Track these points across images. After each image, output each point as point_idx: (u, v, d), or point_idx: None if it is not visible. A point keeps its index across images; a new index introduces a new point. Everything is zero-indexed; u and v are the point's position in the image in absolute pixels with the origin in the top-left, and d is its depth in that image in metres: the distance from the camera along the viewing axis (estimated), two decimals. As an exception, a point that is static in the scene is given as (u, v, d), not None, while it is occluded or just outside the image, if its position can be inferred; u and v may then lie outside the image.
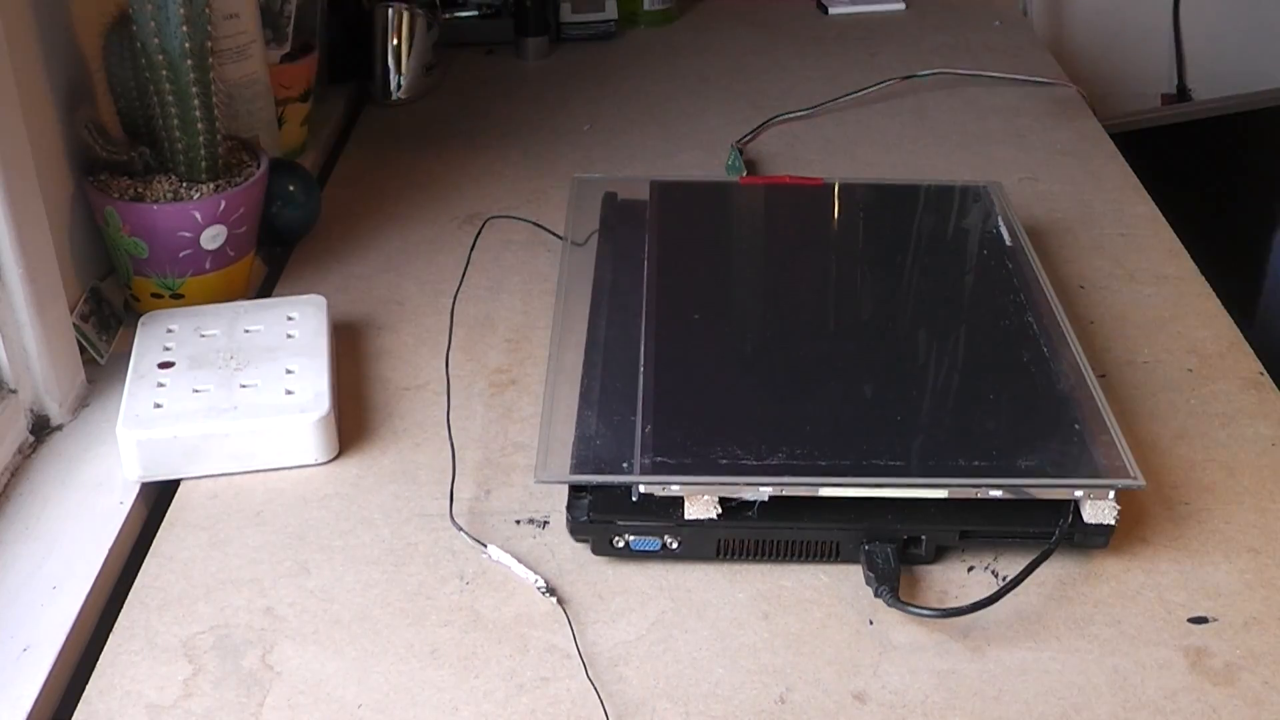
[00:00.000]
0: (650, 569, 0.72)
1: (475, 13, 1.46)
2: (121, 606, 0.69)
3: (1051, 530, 0.70)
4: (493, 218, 1.06)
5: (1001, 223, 0.96)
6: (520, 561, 0.71)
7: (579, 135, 1.24)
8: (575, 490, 0.72)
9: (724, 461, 0.70)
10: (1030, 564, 0.69)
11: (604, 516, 0.70)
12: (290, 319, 0.86)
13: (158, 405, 0.78)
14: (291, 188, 1.00)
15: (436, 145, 1.22)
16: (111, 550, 0.73)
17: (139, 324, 0.86)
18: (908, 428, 0.75)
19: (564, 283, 0.89)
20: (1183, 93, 1.71)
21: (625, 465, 0.71)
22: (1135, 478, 0.70)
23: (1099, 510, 0.70)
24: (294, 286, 0.98)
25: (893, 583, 0.68)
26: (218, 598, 0.70)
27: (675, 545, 0.71)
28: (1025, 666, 0.66)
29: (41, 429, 0.82)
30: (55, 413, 0.83)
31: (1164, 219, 1.07)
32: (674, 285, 0.88)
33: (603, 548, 0.71)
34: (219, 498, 0.77)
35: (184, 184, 0.90)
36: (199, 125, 0.88)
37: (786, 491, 0.70)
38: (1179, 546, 0.73)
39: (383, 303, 0.96)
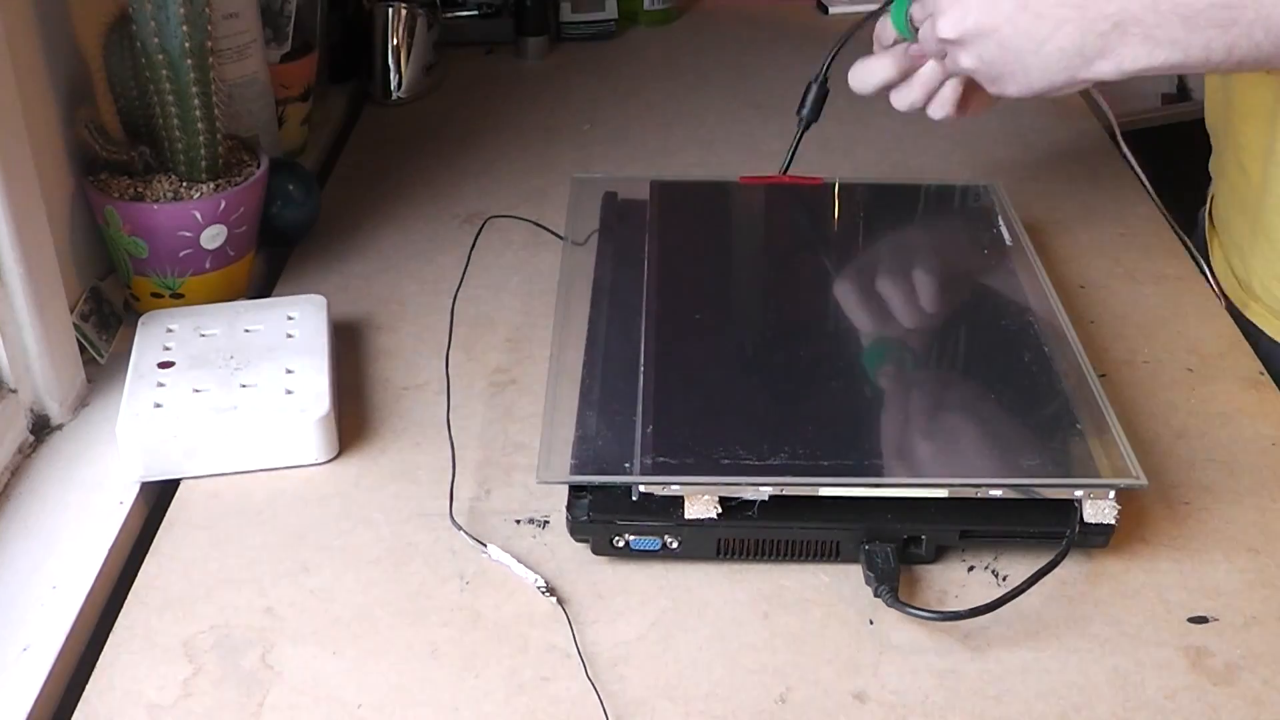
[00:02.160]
0: (650, 569, 0.72)
1: (475, 12, 1.46)
2: (121, 606, 0.69)
3: (1051, 530, 0.70)
4: (493, 217, 1.06)
5: (1001, 222, 0.96)
6: (520, 561, 0.71)
7: (579, 135, 1.24)
8: (575, 490, 0.72)
9: (724, 461, 0.70)
10: (1035, 574, 0.68)
11: (604, 516, 0.70)
12: (290, 319, 0.86)
13: (158, 405, 0.78)
14: (291, 187, 1.00)
15: (436, 145, 1.22)
16: (111, 550, 0.73)
17: (139, 324, 0.86)
18: (908, 427, 0.75)
19: (564, 283, 0.89)
20: (1183, 92, 1.70)
21: (626, 465, 0.71)
22: (1137, 477, 0.70)
23: (1099, 510, 0.70)
24: (294, 286, 0.98)
25: (892, 583, 0.68)
26: (218, 598, 0.70)
27: (675, 545, 0.71)
28: (1025, 666, 0.66)
29: (41, 429, 0.82)
30: (55, 412, 0.83)
31: (1164, 219, 1.07)
32: (674, 285, 0.88)
33: (603, 547, 0.71)
34: (219, 497, 0.77)
35: (184, 183, 0.90)
36: (199, 125, 0.88)
37: (787, 491, 0.70)
38: (1179, 546, 0.73)
39: (383, 302, 0.96)
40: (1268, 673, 0.65)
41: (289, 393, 0.79)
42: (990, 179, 1.03)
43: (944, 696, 0.64)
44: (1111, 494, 0.70)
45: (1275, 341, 0.92)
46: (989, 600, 0.67)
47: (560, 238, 0.99)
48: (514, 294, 0.97)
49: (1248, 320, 0.95)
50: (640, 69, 1.40)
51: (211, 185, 0.90)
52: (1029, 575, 0.68)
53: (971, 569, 0.72)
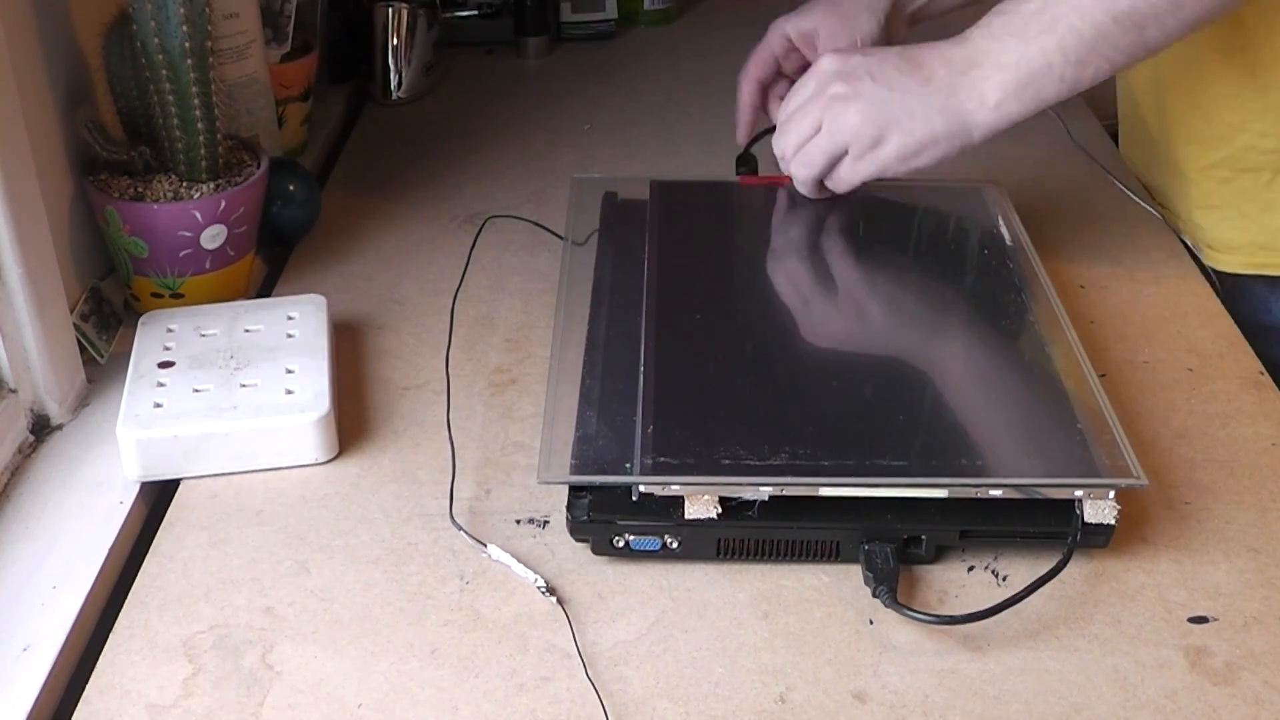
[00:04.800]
0: (650, 569, 0.72)
1: (475, 12, 1.46)
2: (121, 606, 0.69)
3: (1051, 530, 0.70)
4: (493, 217, 1.06)
5: (1001, 223, 0.96)
6: (520, 561, 0.71)
7: (579, 135, 1.24)
8: (575, 490, 0.72)
9: (725, 461, 0.70)
10: (1036, 581, 0.68)
11: (604, 516, 0.70)
12: (290, 318, 0.86)
13: (158, 405, 0.78)
14: (291, 187, 1.00)
15: (436, 145, 1.22)
16: (111, 550, 0.73)
17: (139, 324, 0.86)
18: (908, 427, 0.75)
19: (564, 283, 0.89)
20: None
21: (626, 465, 0.71)
22: (1137, 477, 0.70)
23: (1099, 510, 0.70)
24: (294, 286, 0.98)
25: (891, 583, 0.68)
26: (218, 597, 0.70)
27: (675, 545, 0.71)
28: (1025, 666, 0.66)
29: (41, 428, 0.82)
30: (55, 412, 0.83)
31: (1164, 219, 1.07)
32: (674, 285, 0.88)
33: (603, 547, 0.71)
34: (219, 497, 0.77)
35: (184, 183, 0.90)
36: (199, 125, 0.88)
37: (787, 491, 0.70)
38: (1179, 546, 0.73)
39: (383, 302, 0.96)
40: (1268, 673, 0.65)
41: (289, 393, 0.79)
42: (990, 179, 1.03)
43: (944, 696, 0.64)
44: (1111, 494, 0.70)
45: (1215, 270, 0.99)
46: (988, 605, 0.67)
47: (560, 238, 0.99)
48: (514, 294, 0.97)
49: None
50: (640, 69, 1.40)
51: (211, 185, 0.90)
52: (1029, 583, 0.68)
53: (971, 569, 0.72)
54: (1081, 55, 0.80)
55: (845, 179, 0.88)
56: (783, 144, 0.90)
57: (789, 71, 1.05)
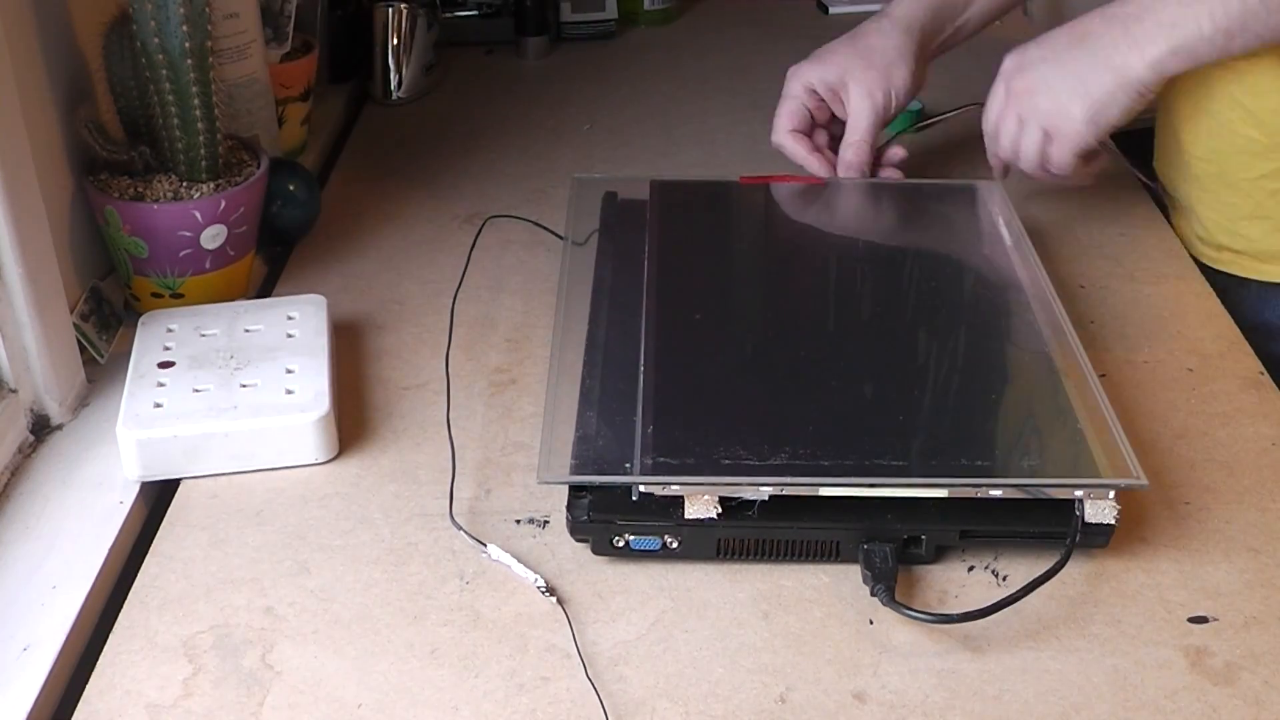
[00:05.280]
0: (650, 569, 0.72)
1: (475, 12, 1.46)
2: (121, 606, 0.69)
3: (1051, 530, 0.70)
4: (493, 217, 1.06)
5: (1002, 222, 0.96)
6: (520, 561, 0.71)
7: (579, 135, 1.24)
8: (575, 490, 0.72)
9: (725, 461, 0.70)
10: (1033, 581, 0.68)
11: (604, 516, 0.70)
12: (290, 318, 0.86)
13: (158, 405, 0.78)
14: (291, 187, 1.01)
15: (436, 145, 1.22)
16: (111, 550, 0.73)
17: (139, 323, 0.86)
18: (908, 427, 0.75)
19: (564, 283, 0.89)
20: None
21: (626, 465, 0.71)
22: (1137, 477, 0.70)
23: (1099, 510, 0.70)
24: (294, 286, 0.98)
25: (889, 582, 0.68)
26: (218, 597, 0.70)
27: (675, 545, 0.71)
28: (1025, 666, 0.66)
29: (41, 428, 0.82)
30: (55, 412, 0.83)
31: (1164, 219, 1.07)
32: (674, 285, 0.88)
33: (603, 547, 0.71)
34: (219, 497, 0.77)
35: (184, 183, 0.90)
36: (199, 125, 0.88)
37: (787, 491, 0.70)
38: (1179, 546, 0.73)
39: (383, 302, 0.96)
40: (1268, 673, 0.65)
41: (289, 392, 0.79)
42: (990, 179, 1.03)
43: (944, 696, 0.64)
44: (1111, 494, 0.70)
45: (1245, 279, 0.99)
46: (986, 604, 0.67)
47: (560, 238, 0.99)
48: (514, 294, 0.97)
49: (1225, 274, 0.99)
50: (640, 69, 1.40)
51: (211, 185, 0.90)
52: (1027, 581, 0.68)
53: (971, 569, 0.72)
54: (1229, 27, 0.85)
55: (1057, 161, 0.94)
56: (999, 149, 0.97)
57: (821, 122, 1.06)
